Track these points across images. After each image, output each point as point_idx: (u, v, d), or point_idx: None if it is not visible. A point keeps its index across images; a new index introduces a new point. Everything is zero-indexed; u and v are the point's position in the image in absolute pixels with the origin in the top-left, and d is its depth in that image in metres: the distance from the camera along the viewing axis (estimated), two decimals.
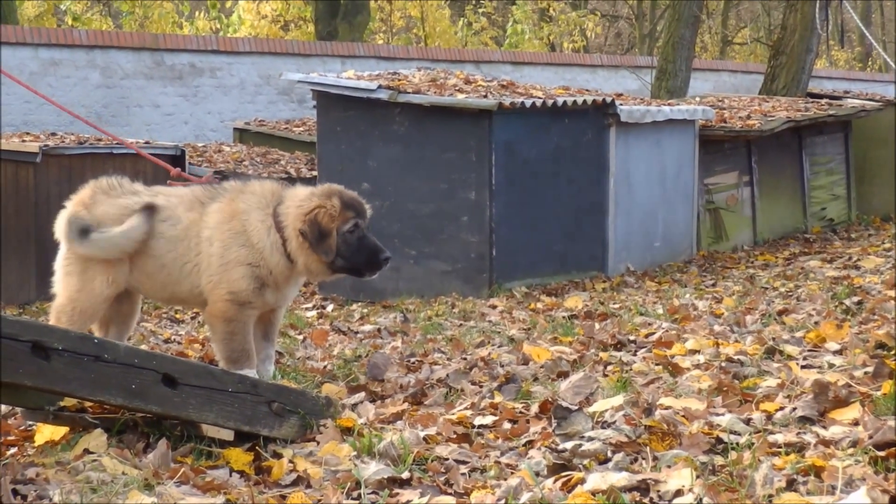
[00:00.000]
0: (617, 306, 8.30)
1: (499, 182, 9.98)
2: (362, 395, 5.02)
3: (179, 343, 7.46)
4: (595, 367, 5.34)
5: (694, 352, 5.50)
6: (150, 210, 5.34)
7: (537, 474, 3.52)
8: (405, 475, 3.63)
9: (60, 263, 5.49)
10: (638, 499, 3.21)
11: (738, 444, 3.64)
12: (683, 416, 3.97)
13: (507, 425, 4.23)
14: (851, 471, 3.20)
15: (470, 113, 9.97)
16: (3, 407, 4.52)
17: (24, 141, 11.92)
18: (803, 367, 4.85)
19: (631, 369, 5.15)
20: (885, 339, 5.09)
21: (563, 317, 7.79)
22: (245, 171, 13.33)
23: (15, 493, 3.45)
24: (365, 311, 9.44)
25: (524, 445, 3.96)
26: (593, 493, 3.21)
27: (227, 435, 4.04)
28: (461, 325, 7.82)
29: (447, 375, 5.26)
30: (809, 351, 5.32)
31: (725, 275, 10.55)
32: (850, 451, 3.43)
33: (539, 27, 30.75)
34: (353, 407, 4.76)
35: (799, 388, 4.30)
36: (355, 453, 3.93)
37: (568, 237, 10.57)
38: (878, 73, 28.68)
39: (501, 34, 31.44)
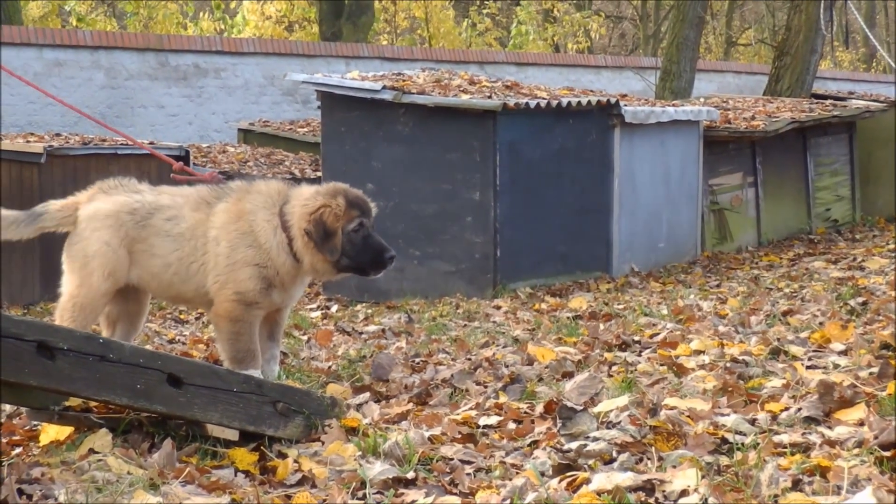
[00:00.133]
0: (621, 307, 8.29)
1: (503, 182, 9.98)
2: (367, 395, 5.02)
3: (184, 343, 7.46)
4: (600, 367, 5.34)
5: (699, 352, 5.50)
6: (35, 213, 5.42)
7: (542, 474, 3.52)
8: (410, 475, 3.63)
9: (63, 262, 5.53)
10: (643, 499, 3.21)
11: (743, 444, 3.64)
12: (688, 416, 3.97)
13: (511, 425, 4.23)
14: (857, 471, 3.20)
15: (474, 113, 9.97)
16: (9, 407, 4.53)
17: (28, 141, 11.93)
18: (808, 367, 4.85)
19: (636, 370, 5.15)
20: (890, 340, 5.09)
21: (568, 317, 7.78)
22: (249, 172, 13.34)
23: (20, 492, 3.45)
24: (369, 311, 9.44)
25: (529, 445, 3.96)
26: (598, 493, 3.21)
27: (232, 435, 4.04)
28: (465, 325, 7.82)
29: (452, 376, 5.26)
30: (814, 351, 5.31)
31: (730, 275, 10.54)
32: (856, 451, 3.43)
33: (543, 28, 30.75)
34: (358, 407, 4.76)
35: (804, 389, 4.29)
36: (360, 453, 3.93)
37: (572, 238, 10.57)
38: (883, 74, 28.65)
39: (505, 35, 31.43)
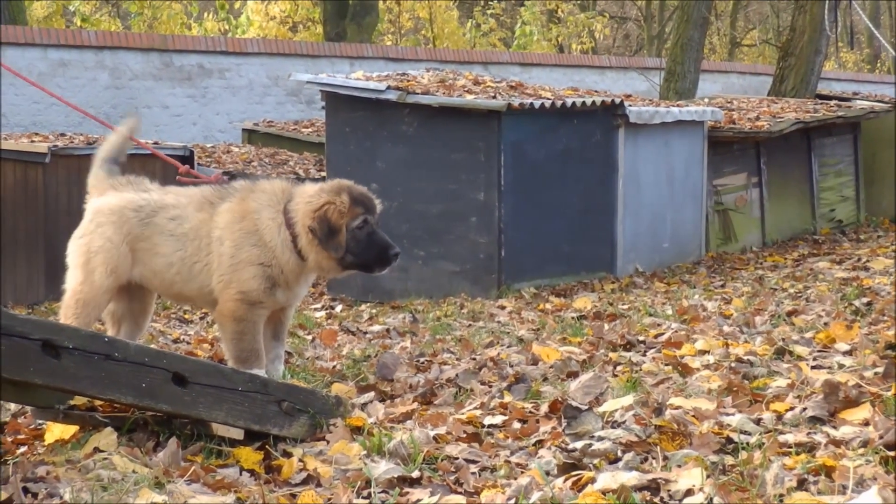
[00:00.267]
0: (626, 307, 8.29)
1: (507, 183, 9.98)
2: (372, 394, 5.02)
3: (188, 343, 7.47)
4: (605, 367, 5.33)
5: (703, 352, 5.49)
6: None
7: (547, 473, 3.52)
8: (415, 474, 3.63)
9: (66, 256, 5.54)
10: (648, 498, 3.21)
11: (748, 443, 3.64)
12: (693, 416, 3.96)
13: (516, 425, 4.23)
14: (862, 471, 3.19)
15: (479, 114, 9.97)
16: (14, 405, 4.54)
17: (32, 141, 11.95)
18: (813, 367, 4.85)
19: (640, 369, 5.14)
20: (895, 340, 5.08)
21: (572, 317, 7.79)
22: (254, 172, 13.35)
23: (26, 491, 3.46)
24: (374, 311, 9.44)
25: (534, 445, 3.96)
26: (604, 493, 3.21)
27: (237, 434, 4.04)
28: (470, 325, 7.82)
29: (456, 375, 5.25)
30: (819, 351, 5.31)
31: (734, 276, 10.53)
32: (861, 450, 3.42)
33: (547, 28, 30.77)
34: (363, 406, 4.76)
35: (809, 389, 4.29)
36: (365, 452, 3.93)
37: (576, 238, 10.57)
38: (887, 75, 28.63)
39: (510, 35, 31.46)
